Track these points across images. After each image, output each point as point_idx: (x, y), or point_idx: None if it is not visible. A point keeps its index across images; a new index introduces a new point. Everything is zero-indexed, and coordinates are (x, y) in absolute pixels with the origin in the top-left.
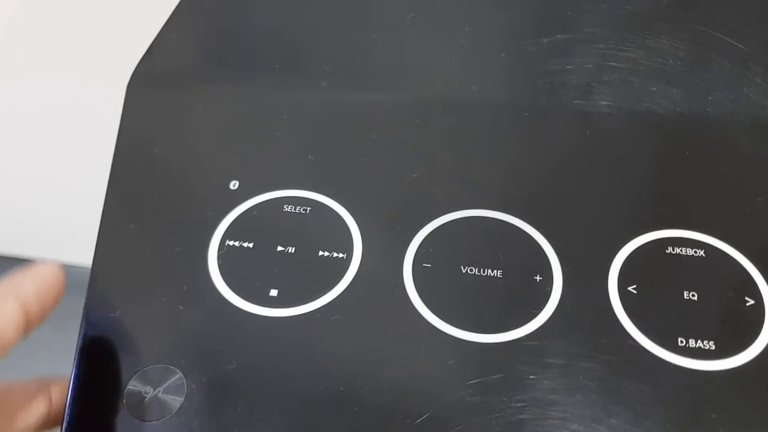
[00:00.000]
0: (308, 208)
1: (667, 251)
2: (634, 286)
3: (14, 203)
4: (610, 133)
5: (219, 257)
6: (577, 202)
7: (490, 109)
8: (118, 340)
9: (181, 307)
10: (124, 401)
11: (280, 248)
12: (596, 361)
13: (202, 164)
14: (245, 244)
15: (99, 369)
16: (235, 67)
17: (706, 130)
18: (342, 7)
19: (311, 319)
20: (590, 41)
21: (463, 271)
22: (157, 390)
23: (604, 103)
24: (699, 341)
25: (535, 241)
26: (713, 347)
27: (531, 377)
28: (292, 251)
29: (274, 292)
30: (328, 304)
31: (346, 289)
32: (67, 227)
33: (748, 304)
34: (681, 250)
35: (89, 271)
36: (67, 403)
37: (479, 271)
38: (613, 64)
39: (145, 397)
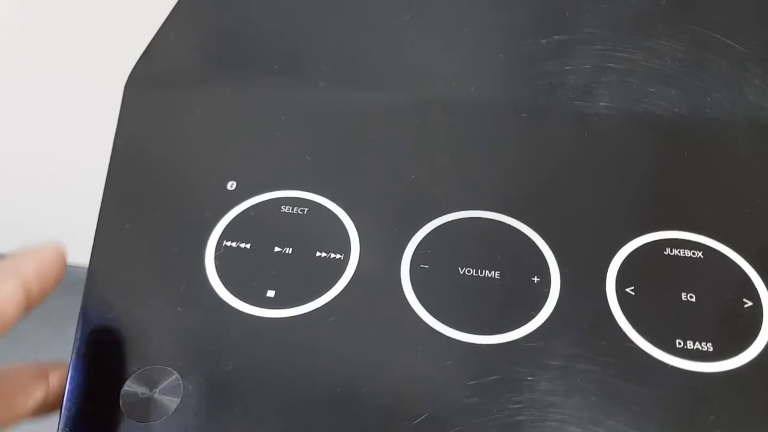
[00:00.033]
0: (306, 209)
1: (665, 252)
2: (632, 288)
3: (14, 203)
4: (609, 134)
5: (216, 258)
6: (575, 203)
7: (488, 110)
8: (115, 341)
9: (178, 307)
10: (121, 402)
11: (277, 249)
12: (594, 363)
13: (200, 164)
14: (242, 245)
15: (95, 370)
16: (233, 68)
17: (704, 131)
18: (341, 7)
19: (308, 320)
20: (589, 42)
21: (461, 273)
22: (154, 391)
23: (602, 104)
24: (697, 343)
25: (533, 242)
26: (711, 349)
27: (529, 378)
28: (290, 252)
29: (271, 293)
30: (325, 305)
31: (343, 290)
32: (66, 227)
33: (746, 305)
34: (679, 252)
35: None
36: (64, 403)
37: (477, 273)
38: (612, 65)
39: (141, 398)
